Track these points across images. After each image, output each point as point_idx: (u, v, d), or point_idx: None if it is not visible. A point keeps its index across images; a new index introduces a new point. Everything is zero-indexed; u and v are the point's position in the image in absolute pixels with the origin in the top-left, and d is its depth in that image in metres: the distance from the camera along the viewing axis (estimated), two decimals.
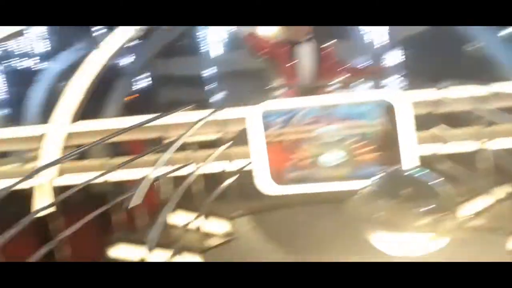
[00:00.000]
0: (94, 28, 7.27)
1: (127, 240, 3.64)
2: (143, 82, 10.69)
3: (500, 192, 3.78)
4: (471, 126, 4.48)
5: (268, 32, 4.97)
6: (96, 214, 3.76)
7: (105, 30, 7.09)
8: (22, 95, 8.93)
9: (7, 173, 6.04)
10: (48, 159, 5.12)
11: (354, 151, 3.76)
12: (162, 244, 3.07)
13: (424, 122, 4.26)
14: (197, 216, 3.36)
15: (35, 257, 3.39)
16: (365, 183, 2.35)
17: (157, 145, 5.27)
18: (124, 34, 5.34)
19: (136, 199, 2.79)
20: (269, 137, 3.85)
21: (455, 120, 4.72)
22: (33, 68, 9.18)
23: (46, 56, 9.28)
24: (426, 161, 3.60)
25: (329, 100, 3.98)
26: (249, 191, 3.68)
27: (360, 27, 10.98)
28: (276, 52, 4.73)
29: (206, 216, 3.53)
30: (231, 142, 4.17)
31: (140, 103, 11.04)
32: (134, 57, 9.03)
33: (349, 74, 4.88)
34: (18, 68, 9.08)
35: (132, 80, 9.29)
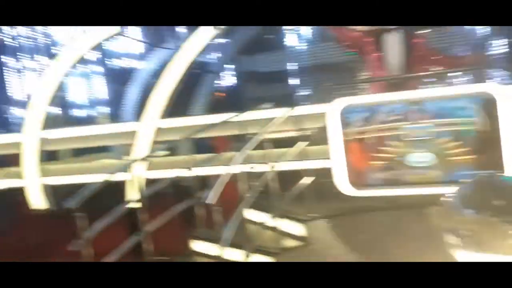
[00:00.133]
0: (179, 28, 7.60)
1: (203, 237, 3.73)
2: (227, 79, 10.97)
3: None
4: None
5: None
6: (177, 210, 3.92)
7: (186, 30, 7.38)
8: (120, 94, 9.73)
9: (104, 167, 6.62)
10: (139, 154, 5.49)
11: (446, 152, 3.39)
12: (237, 242, 3.06)
13: None
14: (273, 216, 3.30)
15: (123, 247, 3.64)
16: (455, 189, 2.07)
17: (240, 141, 5.36)
18: (207, 32, 5.47)
19: (212, 196, 2.82)
20: (350, 135, 3.65)
21: None
22: (130, 67, 9.92)
23: (141, 56, 9.98)
24: None
25: (419, 95, 3.64)
26: (328, 192, 3.53)
27: None
28: (361, 43, 4.47)
29: (282, 216, 3.46)
30: (309, 141, 4.04)
31: (225, 100, 11.35)
32: (218, 54, 9.28)
33: (443, 65, 4.44)
34: (117, 68, 9.88)
35: (217, 77, 9.56)
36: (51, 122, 6.81)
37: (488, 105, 3.28)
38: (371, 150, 3.61)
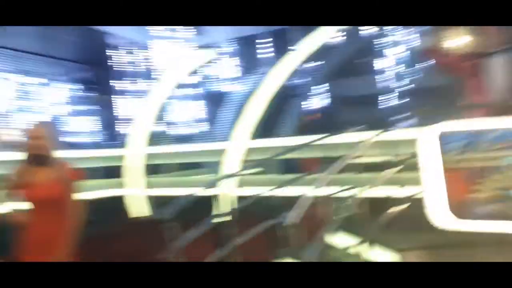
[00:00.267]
0: (267, 51, 7.85)
1: (286, 256, 3.71)
2: (318, 102, 10.98)
3: None
4: None
5: (453, 44, 4.48)
6: (262, 227, 3.98)
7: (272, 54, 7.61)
8: (215, 114, 10.31)
9: (197, 181, 6.99)
10: (229, 172, 5.72)
11: None
12: None
13: None
14: (360, 242, 3.19)
15: (210, 259, 3.79)
16: None
17: (328, 163, 5.31)
18: (299, 54, 5.58)
19: (294, 217, 2.82)
20: (447, 163, 3.41)
21: None
22: (224, 90, 10.47)
23: (235, 80, 10.49)
24: None
25: None
26: (420, 222, 3.32)
27: None
28: (462, 66, 4.21)
29: (370, 243, 3.32)
30: (400, 166, 3.85)
31: (315, 123, 11.35)
32: (309, 77, 9.36)
33: None
34: (212, 90, 10.50)
35: (307, 100, 9.63)
36: (152, 139, 7.45)
37: None
38: (471, 180, 3.32)
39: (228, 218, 4.88)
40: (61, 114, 12.52)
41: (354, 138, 5.26)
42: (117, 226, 6.96)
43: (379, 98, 9.68)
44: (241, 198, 4.55)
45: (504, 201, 3.21)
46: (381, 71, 9.47)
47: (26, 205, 2.70)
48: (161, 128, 11.27)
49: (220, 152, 6.17)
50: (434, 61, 4.47)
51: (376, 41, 9.62)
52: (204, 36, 7.19)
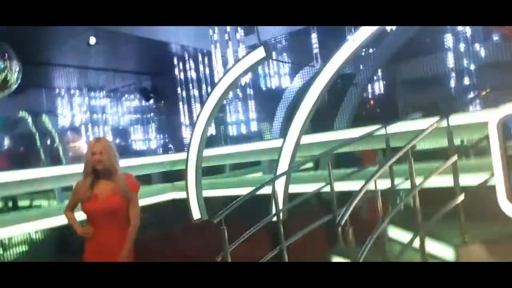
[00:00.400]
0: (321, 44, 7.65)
1: (342, 254, 3.58)
2: (373, 90, 10.53)
3: None
4: None
5: None
6: (317, 224, 3.88)
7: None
8: (272, 112, 10.30)
9: (253, 181, 7.01)
10: (283, 169, 5.64)
11: None
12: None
13: None
14: (415, 236, 2.97)
15: (266, 257, 3.77)
16: None
17: (386, 155, 5.03)
18: (348, 46, 5.38)
19: (348, 212, 2.70)
20: None
21: None
22: (279, 88, 10.41)
23: (289, 76, 10.37)
24: None
25: None
26: (487, 212, 3.02)
27: None
28: None
29: (430, 236, 3.09)
30: (466, 153, 3.53)
31: (371, 112, 10.95)
32: (363, 65, 8.97)
33: None
34: (267, 89, 10.47)
35: (362, 89, 9.23)
36: (210, 141, 7.61)
37: None
38: None
39: (283, 216, 4.82)
40: (128, 124, 13.30)
41: (415, 126, 4.93)
42: (177, 228, 7.23)
43: (442, 80, 9.00)
44: (296, 195, 4.48)
45: None
46: (445, 50, 8.76)
47: (88, 218, 2.83)
48: (219, 129, 11.51)
49: (276, 150, 6.11)
50: (504, 35, 4.02)
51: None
52: (255, 34, 7.19)
